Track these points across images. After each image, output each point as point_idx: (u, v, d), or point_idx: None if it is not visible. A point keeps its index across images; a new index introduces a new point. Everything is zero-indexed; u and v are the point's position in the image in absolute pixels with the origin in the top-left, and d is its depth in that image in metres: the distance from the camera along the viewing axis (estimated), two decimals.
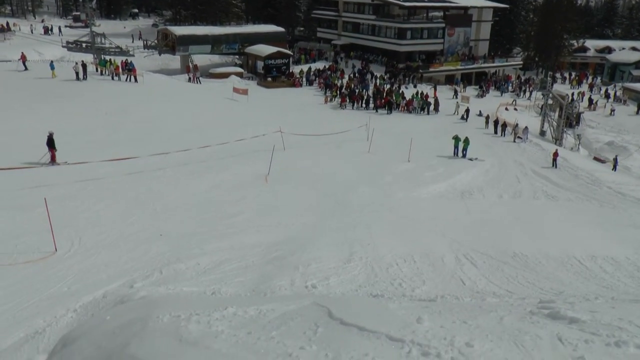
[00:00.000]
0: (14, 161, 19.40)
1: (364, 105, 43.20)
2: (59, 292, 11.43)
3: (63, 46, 51.44)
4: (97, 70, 42.89)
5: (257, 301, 8.50)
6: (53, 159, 20.76)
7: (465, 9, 62.20)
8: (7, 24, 73.37)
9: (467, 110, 40.06)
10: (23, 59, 41.80)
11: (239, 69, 54.19)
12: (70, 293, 11.36)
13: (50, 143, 20.66)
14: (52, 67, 39.14)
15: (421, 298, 11.80)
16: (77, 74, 39.10)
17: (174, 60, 55.84)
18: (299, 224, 16.83)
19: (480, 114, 40.41)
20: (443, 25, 60.68)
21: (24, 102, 30.94)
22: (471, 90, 52.94)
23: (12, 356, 9.16)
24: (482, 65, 61.51)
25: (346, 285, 12.86)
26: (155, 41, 56.70)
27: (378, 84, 49.89)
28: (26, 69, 40.88)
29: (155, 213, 16.77)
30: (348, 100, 43.58)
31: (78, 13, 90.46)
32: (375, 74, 54.01)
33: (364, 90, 46.59)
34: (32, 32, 67.51)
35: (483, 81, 56.70)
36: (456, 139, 29.08)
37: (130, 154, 21.15)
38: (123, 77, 41.73)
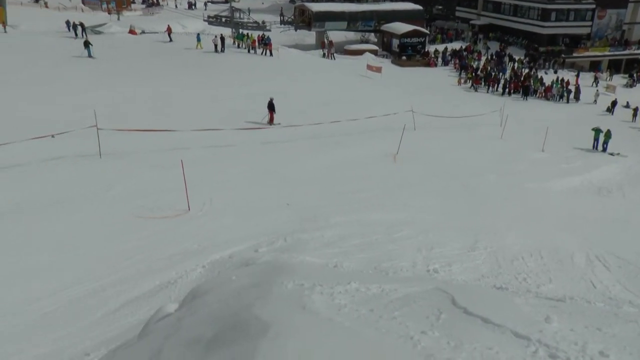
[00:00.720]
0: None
1: (499, 89, 41.27)
2: (190, 248, 12.06)
3: (204, 20, 54.23)
4: (234, 43, 44.71)
5: (379, 279, 8.34)
6: (271, 121, 23.81)
7: None
8: None
9: (614, 102, 36.73)
10: (169, 31, 44.60)
11: (374, 47, 53.85)
12: (200, 250, 11.93)
13: (271, 107, 23.77)
14: (199, 39, 41.46)
15: (548, 296, 11.02)
16: (215, 46, 41.04)
17: (309, 36, 56.67)
18: (424, 206, 16.37)
19: (627, 106, 36.99)
20: (593, 6, 55.61)
21: (167, 70, 33.02)
22: (619, 79, 48.54)
23: (148, 301, 9.85)
24: (636, 51, 55.56)
25: (469, 274, 12.30)
26: (292, 17, 57.86)
27: (516, 68, 47.30)
28: (171, 40, 43.61)
29: (283, 182, 17.13)
30: (483, 83, 41.84)
31: None
32: (513, 57, 51.20)
33: (501, 74, 44.41)
34: (176, 7, 71.76)
35: (635, 69, 51.61)
36: (596, 130, 26.83)
37: (261, 124, 21.86)
38: (259, 51, 43.09)
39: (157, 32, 47.51)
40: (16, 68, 30.36)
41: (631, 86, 46.83)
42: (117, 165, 17.42)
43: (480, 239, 14.35)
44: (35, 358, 8.20)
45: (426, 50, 52.20)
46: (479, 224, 15.37)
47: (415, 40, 51.72)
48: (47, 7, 60.37)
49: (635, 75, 49.12)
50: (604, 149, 26.56)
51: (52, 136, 17.85)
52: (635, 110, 34.91)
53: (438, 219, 15.42)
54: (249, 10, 52.53)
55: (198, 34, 43.31)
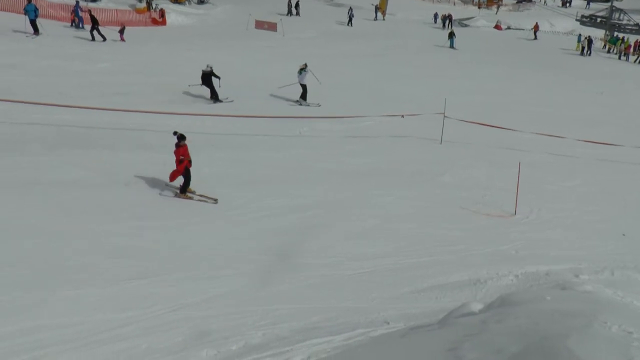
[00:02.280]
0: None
1: None
2: (506, 253, 11.80)
3: (577, 19, 50.97)
4: (604, 47, 41.11)
5: None
6: None
7: None
8: None
9: None
10: (535, 28, 43.39)
11: None
12: (517, 257, 11.57)
13: None
14: (579, 40, 39.58)
15: None
16: (582, 48, 38.41)
17: None
18: None
19: None
20: None
21: (521, 66, 32.31)
22: None
23: (454, 292, 9.91)
24: None
25: None
26: None
27: None
28: (535, 38, 42.38)
29: (622, 207, 15.36)
30: None
31: None
32: None
33: None
34: (545, 3, 68.93)
35: None
36: None
37: (614, 140, 19.80)
38: (632, 58, 38.85)
39: (523, 29, 46.73)
40: (380, 52, 33.63)
41: None
42: (454, 154, 17.96)
43: None
44: (337, 309, 9.09)
45: None
46: None
47: None
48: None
49: None
50: None
51: (402, 116, 19.35)
52: None
53: None
54: (624, 12, 47.41)
55: (579, 35, 41.23)
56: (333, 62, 28.65)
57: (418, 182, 15.31)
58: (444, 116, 18.62)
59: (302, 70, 20.95)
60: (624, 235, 13.61)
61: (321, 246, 11.35)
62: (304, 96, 21.24)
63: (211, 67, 19.64)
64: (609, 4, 47.12)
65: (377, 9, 45.71)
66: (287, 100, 21.66)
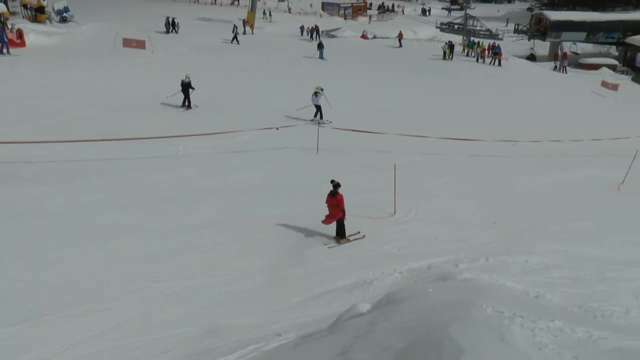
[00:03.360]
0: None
1: None
2: (389, 252, 12.18)
3: (436, 27, 54.45)
4: (464, 51, 44.15)
5: (586, 322, 7.52)
6: None
7: None
8: (393, 5, 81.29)
9: None
10: (399, 36, 45.66)
11: (614, 61, 48.92)
12: (400, 255, 11.98)
13: None
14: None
15: None
16: (444, 53, 40.98)
17: (542, 47, 53.50)
18: None
19: None
20: None
21: (394, 73, 33.82)
22: None
23: (342, 296, 10.16)
24: None
25: None
26: (527, 26, 55.22)
27: None
28: (400, 45, 44.60)
29: (491, 199, 16.43)
30: None
31: None
32: None
33: None
34: (403, 13, 73.15)
35: None
36: None
37: (476, 135, 21.19)
38: (487, 60, 41.99)
39: (388, 37, 48.95)
40: (253, 65, 33.78)
41: None
42: (332, 161, 18.30)
43: None
44: (230, 328, 8.98)
45: None
46: None
47: None
48: (290, 12, 65.80)
49: None
50: None
51: (277, 129, 19.47)
52: None
53: None
54: (477, 18, 51.42)
55: (449, 41, 43.73)
56: (207, 76, 28.27)
57: (300, 192, 15.41)
58: (319, 125, 18.95)
59: (317, 92, 22.35)
60: (494, 223, 14.56)
61: (212, 265, 11.20)
62: (321, 115, 22.52)
63: (189, 78, 22.27)
64: (464, 12, 50.68)
65: (244, 23, 45.82)
66: (159, 119, 21.09)
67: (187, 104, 22.76)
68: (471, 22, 50.49)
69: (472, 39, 46.90)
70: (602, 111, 31.47)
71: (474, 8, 71.10)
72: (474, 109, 28.05)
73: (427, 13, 79.63)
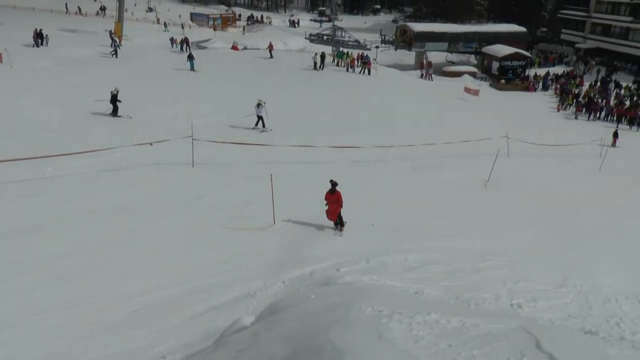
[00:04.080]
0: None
1: (602, 117, 39.16)
2: (271, 262, 12.14)
3: (306, 38, 55.52)
4: (333, 61, 45.33)
5: (460, 311, 7.99)
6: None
7: None
8: (261, 16, 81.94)
9: None
10: (270, 48, 45.94)
11: (473, 69, 52.90)
12: (282, 264, 11.99)
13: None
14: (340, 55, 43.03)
15: None
16: (315, 63, 41.74)
17: (408, 56, 56.41)
18: (513, 237, 15.62)
19: None
20: None
21: (265, 85, 34.00)
22: None
23: (226, 311, 9.98)
24: None
25: (555, 312, 11.53)
26: (393, 36, 57.96)
27: (622, 95, 44.59)
28: (271, 56, 44.87)
29: (370, 202, 16.96)
30: (584, 111, 39.76)
31: (323, 8, 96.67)
32: (620, 83, 48.31)
33: (604, 101, 42.02)
34: (270, 24, 74.22)
35: None
36: None
37: (353, 142, 21.80)
38: (357, 70, 43.40)
39: (259, 49, 49.10)
40: (122, 78, 32.42)
41: None
42: (209, 175, 18.01)
43: (571, 275, 13.43)
44: (110, 357, 8.50)
45: (526, 74, 50.52)
46: (570, 260, 14.40)
47: (516, 63, 50.26)
48: (159, 23, 64.08)
49: None
50: None
51: (150, 144, 18.78)
52: None
53: (527, 252, 14.64)
54: (344, 30, 53.37)
55: (339, 50, 44.56)
56: (70, 92, 26.69)
57: (178, 209, 14.99)
58: (192, 139, 18.52)
59: (260, 104, 24.37)
60: (372, 225, 15.04)
61: (92, 291, 10.58)
62: (263, 124, 24.69)
63: (117, 91, 24.17)
64: (332, 23, 52.19)
65: (111, 34, 43.77)
66: (22, 139, 19.53)
67: (115, 113, 24.11)
68: (339, 33, 52.10)
69: (341, 49, 48.35)
70: (466, 114, 33.76)
71: (341, 20, 73.51)
72: (349, 117, 28.85)
73: (296, 24, 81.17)
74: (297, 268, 11.70)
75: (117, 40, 41.67)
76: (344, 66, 44.13)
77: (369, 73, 42.78)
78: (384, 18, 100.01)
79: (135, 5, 74.60)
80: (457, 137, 24.50)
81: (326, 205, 14.15)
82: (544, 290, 12.43)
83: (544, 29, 79.91)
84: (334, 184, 14.13)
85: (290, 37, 60.71)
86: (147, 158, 18.62)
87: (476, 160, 22.59)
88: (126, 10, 49.60)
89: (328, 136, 23.09)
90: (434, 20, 68.71)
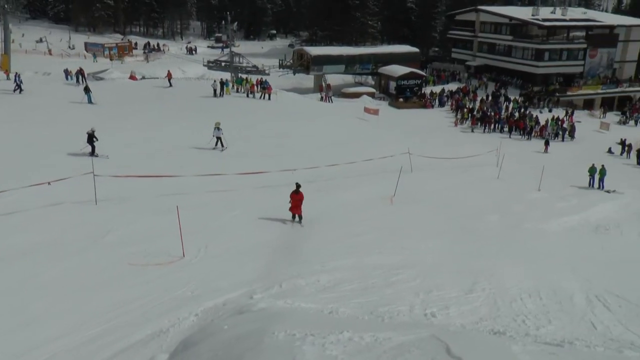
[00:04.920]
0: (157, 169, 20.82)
1: (496, 129, 41.92)
2: (183, 296, 11.91)
3: (204, 65, 55.18)
4: (233, 87, 45.23)
5: (374, 327, 8.24)
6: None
7: (611, 27, 58.40)
8: (158, 44, 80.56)
9: (627, 145, 36.76)
10: (169, 76, 45.18)
11: (371, 89, 54.72)
12: (194, 297, 11.78)
13: None
14: (227, 85, 42.60)
15: (546, 340, 10.90)
16: (214, 90, 41.45)
17: (307, 80, 57.46)
18: (422, 249, 16.32)
19: (623, 143, 37.25)
20: (585, 45, 57.38)
21: (166, 114, 33.40)
22: (612, 117, 49.43)
23: (139, 351, 9.63)
24: (627, 89, 57.05)
25: (467, 317, 12.21)
26: (291, 61, 58.82)
27: (511, 108, 47.94)
28: (171, 85, 44.10)
29: (280, 227, 17.08)
30: (479, 124, 42.35)
31: (220, 35, 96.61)
32: (509, 96, 51.98)
33: (496, 114, 44.98)
34: (164, 52, 73.41)
35: (627, 107, 52.40)
36: (591, 169, 26.97)
37: (259, 168, 21.84)
38: (257, 95, 43.55)
39: (158, 78, 48.16)
40: (12, 114, 30.70)
41: (624, 123, 47.58)
42: (113, 211, 17.35)
43: (479, 280, 14.29)
44: None
45: (423, 92, 52.91)
46: (477, 266, 15.30)
47: (412, 82, 52.56)
48: (50, 54, 61.39)
49: (627, 112, 49.91)
50: (601, 187, 26.58)
51: (49, 183, 17.86)
52: (628, 146, 35.43)
53: (436, 262, 15.34)
54: (242, 55, 53.65)
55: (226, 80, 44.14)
56: None
57: (82, 249, 14.32)
58: (94, 175, 17.77)
59: (218, 127, 26.80)
60: (286, 248, 15.12)
61: None
62: (222, 144, 27.21)
63: (94, 130, 23.88)
64: (229, 50, 52.10)
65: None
66: None
67: (93, 153, 23.87)
68: (237, 59, 52.19)
69: (240, 75, 48.41)
70: (368, 133, 34.81)
71: (238, 46, 73.61)
72: (253, 143, 28.90)
73: (194, 52, 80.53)
74: (210, 299, 11.54)
75: (19, 76, 39.04)
76: (244, 92, 44.14)
77: (269, 98, 43.03)
78: (281, 43, 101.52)
79: (23, 36, 71.15)
80: (361, 156, 25.20)
81: (290, 202, 17.22)
82: (455, 297, 13.09)
83: (436, 49, 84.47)
84: (298, 186, 17.26)
85: (188, 64, 60.09)
86: (48, 198, 17.62)
87: (381, 177, 23.33)
88: (13, 41, 47.02)
89: (234, 163, 23.02)
90: (330, 44, 70.63)
